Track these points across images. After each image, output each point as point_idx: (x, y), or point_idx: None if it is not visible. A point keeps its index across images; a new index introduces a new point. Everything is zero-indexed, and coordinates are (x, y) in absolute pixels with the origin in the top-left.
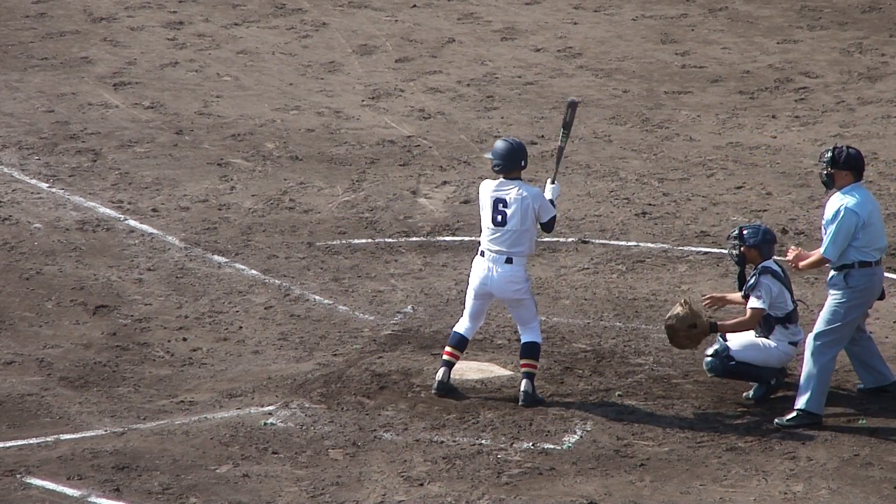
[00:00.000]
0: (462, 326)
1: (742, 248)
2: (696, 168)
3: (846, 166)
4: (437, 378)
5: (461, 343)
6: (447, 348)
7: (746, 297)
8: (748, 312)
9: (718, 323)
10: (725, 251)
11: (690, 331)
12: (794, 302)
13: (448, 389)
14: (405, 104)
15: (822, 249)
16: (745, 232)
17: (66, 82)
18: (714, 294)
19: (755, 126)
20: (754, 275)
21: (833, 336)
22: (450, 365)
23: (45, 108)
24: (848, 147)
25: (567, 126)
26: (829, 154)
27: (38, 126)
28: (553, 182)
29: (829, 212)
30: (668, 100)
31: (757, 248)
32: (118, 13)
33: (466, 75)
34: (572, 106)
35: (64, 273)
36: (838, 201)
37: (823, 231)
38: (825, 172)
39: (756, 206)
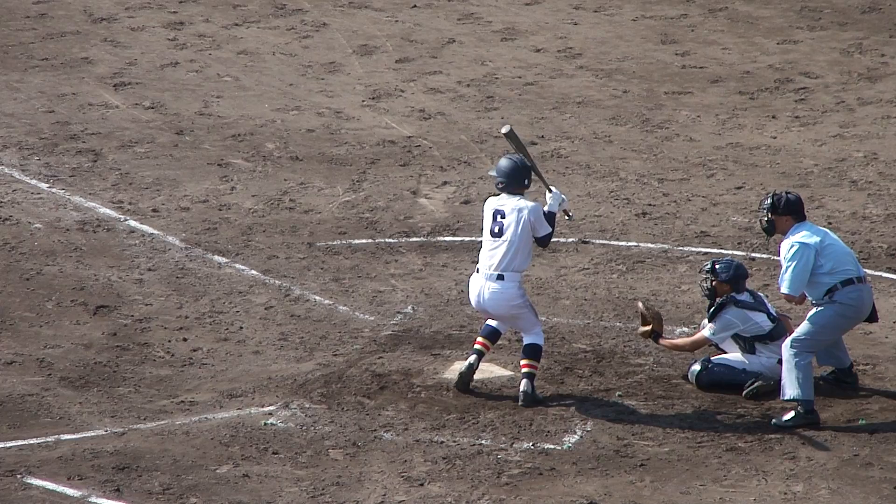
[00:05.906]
0: (493, 321)
1: (714, 283)
2: (696, 168)
3: (786, 211)
4: (467, 361)
5: (493, 334)
6: (479, 338)
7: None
8: (696, 334)
9: (662, 335)
10: (728, 252)
11: (643, 326)
12: (773, 321)
13: (470, 377)
14: (405, 104)
15: (781, 287)
16: (717, 267)
17: (66, 83)
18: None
19: (755, 126)
20: (720, 303)
21: (808, 341)
22: (480, 354)
23: (46, 108)
24: (787, 192)
25: (520, 149)
26: (769, 201)
27: (39, 126)
28: (550, 191)
29: (782, 253)
30: (668, 100)
31: (729, 283)
32: (118, 13)
33: (467, 76)
34: (509, 136)
35: (64, 273)
36: (789, 242)
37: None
38: (766, 218)
39: (756, 206)
